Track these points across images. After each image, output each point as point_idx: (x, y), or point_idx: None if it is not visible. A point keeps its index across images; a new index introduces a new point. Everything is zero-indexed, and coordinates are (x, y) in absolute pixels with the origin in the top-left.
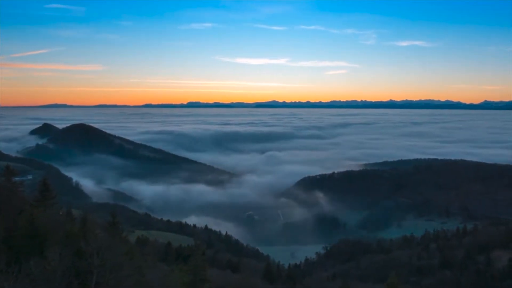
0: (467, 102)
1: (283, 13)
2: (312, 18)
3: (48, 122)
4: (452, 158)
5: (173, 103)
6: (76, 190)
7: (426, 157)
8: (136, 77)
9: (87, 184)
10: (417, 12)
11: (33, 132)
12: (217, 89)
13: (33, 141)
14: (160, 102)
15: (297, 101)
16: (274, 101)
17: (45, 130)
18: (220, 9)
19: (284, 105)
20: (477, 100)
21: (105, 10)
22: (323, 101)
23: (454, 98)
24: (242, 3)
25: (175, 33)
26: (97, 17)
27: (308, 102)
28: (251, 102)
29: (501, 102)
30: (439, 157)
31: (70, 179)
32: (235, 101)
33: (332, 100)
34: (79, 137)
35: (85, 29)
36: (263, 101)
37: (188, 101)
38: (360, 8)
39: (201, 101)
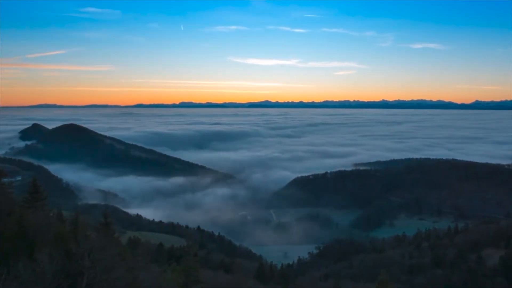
0: (459, 102)
1: (309, 17)
2: (335, 21)
3: (38, 122)
4: (444, 158)
5: (165, 103)
6: (67, 191)
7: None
8: (141, 77)
9: (77, 185)
10: (423, 14)
11: (22, 133)
12: (219, 89)
13: (22, 142)
14: (152, 102)
15: (290, 101)
16: (266, 101)
17: (34, 130)
18: (249, 12)
19: (276, 105)
20: (468, 100)
21: (138, 13)
22: (316, 101)
23: (446, 98)
24: (271, 7)
25: (198, 35)
26: (130, 20)
27: (301, 102)
28: (244, 102)
29: (492, 102)
30: (431, 157)
31: (60, 179)
32: (228, 101)
33: (325, 100)
34: (69, 137)
35: (112, 32)
36: (256, 101)
37: (181, 101)
38: (382, 12)
39: (193, 101)
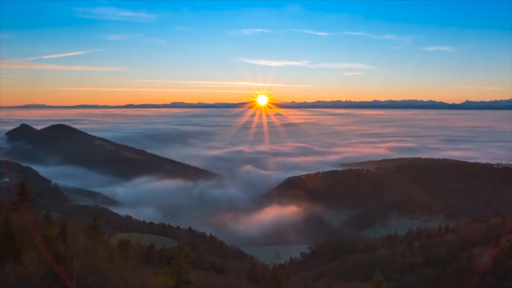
0: (449, 102)
1: (333, 20)
2: (357, 24)
3: (26, 123)
4: (434, 157)
5: (156, 103)
6: (55, 192)
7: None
8: (147, 78)
9: (66, 186)
10: (436, 17)
11: (9, 133)
12: (218, 90)
13: (9, 143)
14: (144, 103)
15: (282, 101)
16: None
17: (22, 131)
18: (280, 15)
19: None
20: (459, 100)
21: (174, 15)
22: (308, 101)
23: (437, 98)
24: (305, 12)
25: (220, 37)
26: (161, 23)
27: (293, 102)
28: (236, 102)
29: (482, 102)
30: (422, 157)
31: (49, 181)
32: (220, 101)
33: (317, 100)
34: (58, 138)
35: (138, 34)
36: (249, 101)
37: (172, 101)
38: (403, 15)
39: (184, 102)
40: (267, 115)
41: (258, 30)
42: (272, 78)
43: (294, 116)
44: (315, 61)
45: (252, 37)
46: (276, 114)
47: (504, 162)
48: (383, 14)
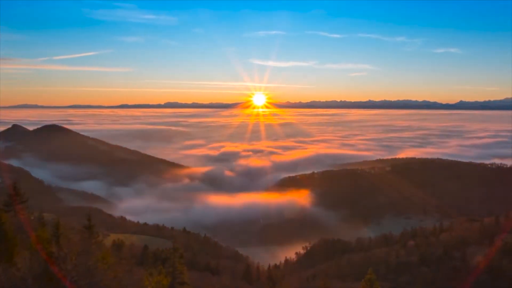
0: (444, 102)
1: (348, 23)
2: (371, 27)
3: (18, 123)
4: (429, 157)
5: (150, 103)
6: (48, 193)
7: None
8: (152, 79)
9: (59, 187)
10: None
11: (1, 134)
12: (216, 90)
13: (1, 143)
14: (138, 103)
15: (277, 101)
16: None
17: (14, 131)
18: (301, 18)
19: None
20: (453, 100)
21: (193, 17)
22: (303, 101)
23: (432, 98)
24: (326, 16)
25: (234, 39)
26: (179, 25)
27: (288, 102)
28: (230, 102)
29: (476, 102)
30: (416, 156)
31: (41, 181)
32: (215, 101)
33: (312, 100)
34: (50, 138)
35: (154, 36)
36: (243, 101)
37: (166, 101)
38: (414, 18)
39: (179, 101)
40: (262, 115)
41: (273, 32)
42: (274, 78)
43: (290, 116)
44: (323, 62)
45: (265, 39)
46: (270, 114)
47: (498, 162)
48: (397, 16)
